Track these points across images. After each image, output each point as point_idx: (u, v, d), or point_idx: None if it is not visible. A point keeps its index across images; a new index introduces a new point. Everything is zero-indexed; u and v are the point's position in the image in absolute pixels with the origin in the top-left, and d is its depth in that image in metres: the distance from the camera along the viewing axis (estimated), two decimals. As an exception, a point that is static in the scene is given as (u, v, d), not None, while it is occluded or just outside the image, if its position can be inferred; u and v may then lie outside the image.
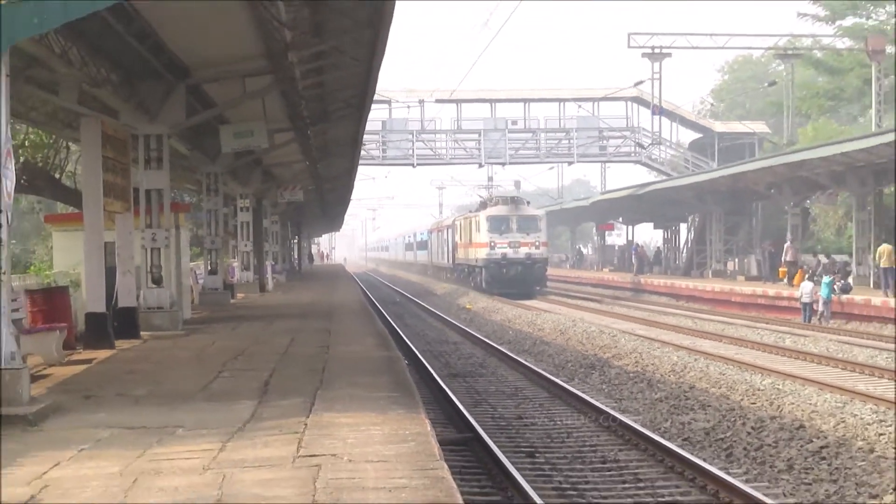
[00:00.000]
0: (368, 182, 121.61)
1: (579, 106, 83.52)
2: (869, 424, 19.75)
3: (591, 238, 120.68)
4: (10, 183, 14.83)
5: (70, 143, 35.70)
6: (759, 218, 71.04)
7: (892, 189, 56.49)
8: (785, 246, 57.16)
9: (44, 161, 37.58)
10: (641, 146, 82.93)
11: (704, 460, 16.81)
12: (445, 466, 11.04)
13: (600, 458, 17.93)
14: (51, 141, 36.81)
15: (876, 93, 66.16)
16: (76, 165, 35.58)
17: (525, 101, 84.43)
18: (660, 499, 15.12)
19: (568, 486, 16.07)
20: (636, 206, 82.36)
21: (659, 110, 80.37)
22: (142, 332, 26.36)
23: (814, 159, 51.20)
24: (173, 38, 24.97)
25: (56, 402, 15.59)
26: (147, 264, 28.03)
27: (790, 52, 77.64)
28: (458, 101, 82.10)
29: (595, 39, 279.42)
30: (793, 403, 22.43)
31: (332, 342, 25.19)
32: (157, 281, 28.15)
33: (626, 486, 16.04)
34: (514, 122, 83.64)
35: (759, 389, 24.57)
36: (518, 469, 16.01)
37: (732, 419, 20.73)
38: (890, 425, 19.73)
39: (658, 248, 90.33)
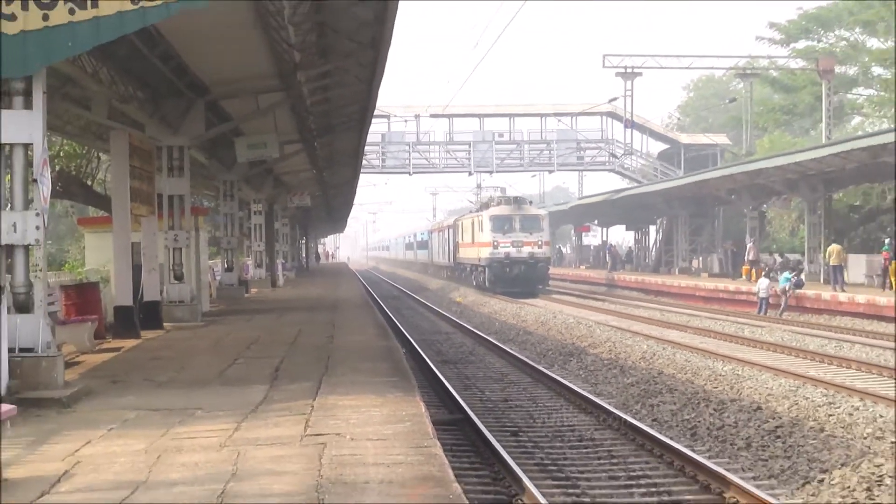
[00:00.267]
0: (369, 188, 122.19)
1: (559, 120, 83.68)
2: (819, 406, 19.77)
3: (570, 239, 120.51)
4: (46, 189, 14.88)
5: (101, 154, 35.68)
6: (720, 220, 71.08)
7: (841, 194, 56.56)
8: (748, 246, 57.25)
9: (77, 169, 37.55)
10: (615, 156, 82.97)
11: (671, 439, 16.80)
12: (438, 444, 11.03)
13: (578, 437, 17.92)
14: (84, 151, 36.79)
15: (826, 108, 66.46)
16: (106, 173, 35.60)
17: (510, 115, 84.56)
18: (631, 473, 15.10)
19: (549, 461, 16.07)
20: (610, 210, 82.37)
21: (631, 124, 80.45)
22: (165, 324, 26.40)
23: (770, 168, 51.27)
24: (194, 59, 24.98)
25: (87, 387, 15.59)
26: (170, 262, 28.08)
27: (749, 71, 77.71)
28: (450, 116, 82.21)
29: (573, 60, 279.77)
30: (751, 387, 22.44)
31: (336, 332, 25.17)
32: (179, 277, 28.19)
33: (601, 461, 16.04)
34: (501, 135, 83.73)
35: (720, 375, 24.57)
36: (504, 447, 15.99)
37: (696, 402, 20.72)
38: (839, 406, 19.74)
39: (630, 247, 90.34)
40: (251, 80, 27.85)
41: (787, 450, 16.21)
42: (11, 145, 14.64)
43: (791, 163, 48.89)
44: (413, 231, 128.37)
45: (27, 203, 14.72)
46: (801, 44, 78.45)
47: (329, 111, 34.88)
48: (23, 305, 14.75)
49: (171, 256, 28.14)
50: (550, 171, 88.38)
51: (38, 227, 14.70)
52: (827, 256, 46.95)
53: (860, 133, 65.20)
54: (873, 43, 73.95)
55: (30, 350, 14.65)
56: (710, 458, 15.56)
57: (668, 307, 50.02)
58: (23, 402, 12.91)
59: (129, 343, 22.70)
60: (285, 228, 68.67)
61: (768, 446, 16.61)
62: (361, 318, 30.33)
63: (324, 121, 36.47)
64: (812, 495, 13.66)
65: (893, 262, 43.80)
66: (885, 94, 71.72)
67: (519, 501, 13.19)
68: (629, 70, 76.16)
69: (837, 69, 70.40)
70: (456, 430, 18.01)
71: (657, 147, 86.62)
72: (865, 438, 16.61)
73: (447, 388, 22.29)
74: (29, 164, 14.76)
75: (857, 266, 49.49)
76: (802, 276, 46.91)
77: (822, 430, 17.41)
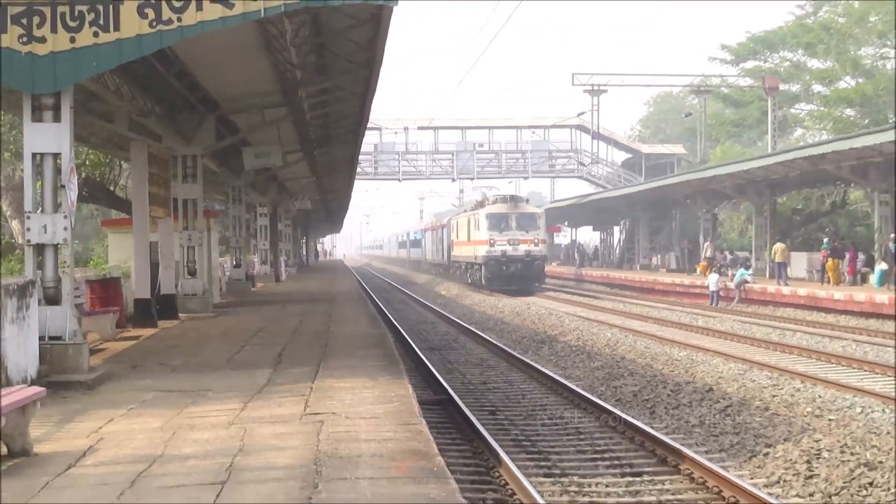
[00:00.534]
0: (363, 193, 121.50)
1: (533, 132, 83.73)
2: (765, 388, 19.82)
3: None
4: (73, 194, 14.95)
5: (122, 162, 35.65)
6: (677, 222, 71.12)
7: (785, 199, 56.69)
8: (705, 245, 57.36)
9: (101, 176, 37.57)
10: (583, 164, 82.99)
11: (633, 417, 16.83)
12: (424, 422, 11.07)
13: (549, 415, 17.93)
14: (107, 160, 36.80)
15: (771, 122, 66.54)
16: (127, 180, 35.56)
17: (489, 128, 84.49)
18: (596, 447, 15.13)
19: (523, 437, 16.08)
20: (579, 213, 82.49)
21: (597, 135, 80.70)
22: (179, 314, 26.41)
23: (721, 175, 51.39)
24: (206, 77, 24.98)
25: (110, 371, 15.60)
26: (184, 259, 28.13)
27: (702, 88, 77.81)
28: (435, 128, 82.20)
29: (546, 78, 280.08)
30: (704, 371, 22.49)
31: (333, 322, 25.19)
32: (192, 273, 28.24)
33: (570, 437, 16.05)
34: (481, 145, 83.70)
35: (676, 360, 24.62)
36: (483, 424, 16.00)
37: (655, 384, 20.75)
38: (782, 388, 19.79)
39: (596, 246, 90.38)
40: (257, 96, 27.85)
41: (736, 427, 16.25)
42: (42, 154, 14.72)
43: (740, 170, 49.09)
44: (406, 230, 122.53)
45: (56, 206, 14.79)
46: (750, 64, 78.57)
47: (327, 124, 34.86)
48: (52, 298, 14.84)
49: (186, 254, 28.19)
50: (525, 178, 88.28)
51: (65, 228, 14.80)
52: (772, 254, 47.16)
53: (802, 144, 65.35)
54: (814, 63, 74.08)
55: (58, 338, 14.72)
56: (667, 434, 15.58)
57: (630, 299, 50.07)
58: (52, 385, 12.92)
59: (148, 332, 22.71)
60: (288, 229, 68.54)
61: (719, 424, 16.65)
62: (356, 309, 30.35)
63: (322, 132, 36.44)
64: (758, 467, 13.69)
65: (831, 259, 44.00)
66: (824, 108, 71.81)
67: (496, 472, 13.21)
68: (596, 87, 76.31)
69: (781, 87, 70.50)
70: (440, 409, 18.01)
71: (621, 156, 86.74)
72: (805, 416, 16.66)
73: (432, 372, 22.28)
74: (58, 171, 14.81)
75: (799, 263, 49.63)
76: (750, 272, 47.12)
77: (767, 409, 17.46)
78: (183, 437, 10.43)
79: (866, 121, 63.18)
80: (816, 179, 48.68)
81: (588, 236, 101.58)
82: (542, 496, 11.56)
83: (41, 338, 14.29)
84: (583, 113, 77.86)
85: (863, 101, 65.66)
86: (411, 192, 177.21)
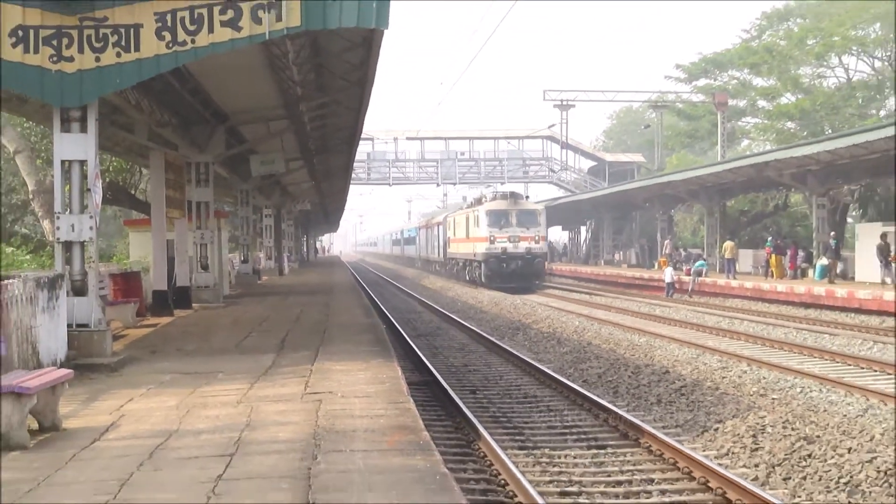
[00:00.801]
0: (357, 196, 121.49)
1: (508, 142, 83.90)
2: (715, 370, 19.87)
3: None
4: (98, 197, 15.00)
5: (142, 168, 35.56)
6: (637, 222, 71.32)
7: (733, 202, 56.85)
8: (666, 242, 57.58)
9: (123, 181, 37.50)
10: (553, 171, 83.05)
11: (598, 396, 16.86)
12: (411, 400, 11.07)
13: (523, 394, 17.95)
14: (128, 166, 36.72)
15: (720, 133, 66.87)
16: (146, 184, 35.43)
17: (470, 138, 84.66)
18: (565, 423, 15.15)
19: (500, 414, 16.10)
20: (550, 214, 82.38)
21: (566, 145, 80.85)
22: (193, 304, 26.38)
23: (676, 181, 51.58)
24: (217, 93, 24.94)
25: (131, 355, 15.60)
26: (197, 255, 28.11)
27: (659, 104, 78.01)
28: (421, 139, 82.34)
29: (520, 93, 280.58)
30: (661, 355, 22.54)
31: (330, 311, 25.19)
32: (205, 267, 28.22)
33: (542, 413, 16.07)
34: (462, 154, 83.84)
35: (636, 345, 24.67)
36: (464, 402, 16.01)
37: (618, 366, 20.78)
38: (731, 370, 19.83)
39: (565, 244, 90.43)
40: (263, 109, 27.81)
41: (690, 405, 16.29)
42: (70, 161, 14.78)
43: (693, 176, 49.25)
44: (400, 228, 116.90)
45: (83, 208, 14.86)
46: (701, 82, 78.70)
47: (325, 135, 34.83)
48: (79, 290, 14.87)
49: (199, 251, 28.16)
50: (502, 184, 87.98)
51: (91, 227, 14.88)
52: (722, 251, 47.35)
53: (748, 153, 65.53)
54: (758, 81, 74.28)
55: (84, 326, 14.78)
56: (628, 411, 15.61)
57: (596, 291, 50.12)
58: (78, 368, 12.91)
59: (165, 320, 22.70)
60: (290, 228, 68.44)
61: (674, 402, 16.69)
62: (351, 300, 30.34)
63: (321, 142, 36.41)
64: (709, 441, 13.73)
65: (774, 255, 44.21)
66: (768, 121, 72.23)
67: (476, 446, 13.22)
68: (564, 102, 76.68)
69: (730, 102, 70.75)
70: (426, 389, 18.02)
71: (587, 164, 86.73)
72: (752, 396, 16.71)
73: (419, 356, 22.30)
74: (84, 176, 14.86)
75: (746, 259, 49.84)
76: (704, 268, 47.32)
77: (717, 389, 17.51)
78: (196, 414, 10.42)
79: (805, 133, 63.43)
80: (761, 185, 48.88)
81: (558, 235, 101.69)
82: (516, 467, 11.57)
83: (69, 325, 14.35)
84: (553, 125, 78.23)
85: (802, 115, 65.99)
86: (400, 195, 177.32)
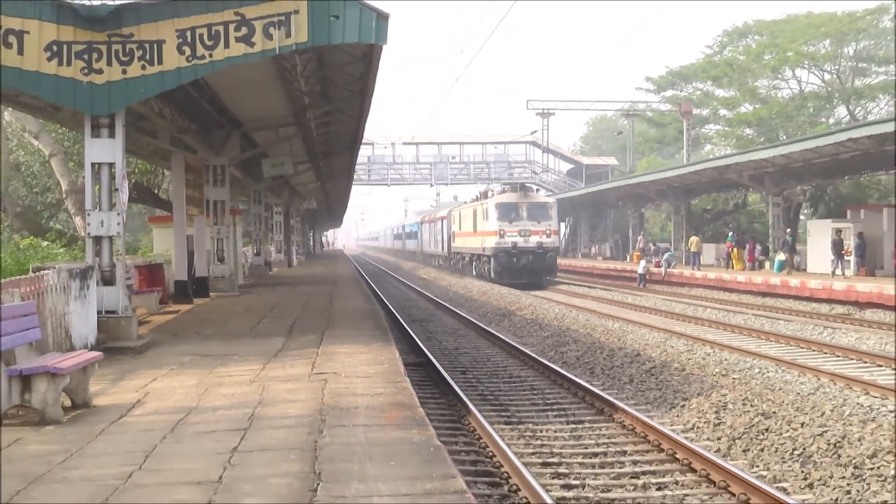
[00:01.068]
0: (359, 195, 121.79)
1: (495, 146, 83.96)
2: (682, 353, 19.88)
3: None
4: (125, 196, 14.99)
5: (164, 170, 35.50)
6: (611, 219, 71.38)
7: (697, 201, 56.95)
8: (639, 238, 57.65)
9: (147, 181, 37.43)
10: (535, 173, 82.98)
11: (576, 376, 16.87)
12: (408, 380, 11.06)
13: (508, 375, 17.95)
14: (152, 168, 36.64)
15: (686, 139, 66.96)
16: (168, 184, 35.37)
17: (460, 143, 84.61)
18: (546, 400, 15.15)
19: (488, 392, 16.09)
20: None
21: (546, 150, 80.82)
22: (210, 293, 26.37)
23: (646, 182, 51.65)
24: (232, 102, 24.91)
25: (154, 339, 15.59)
26: (214, 248, 28.08)
27: (631, 112, 78.05)
28: (417, 144, 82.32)
29: (506, 102, 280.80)
30: (633, 339, 22.54)
31: (335, 299, 25.16)
32: (221, 259, 28.19)
33: (525, 391, 16.08)
34: (454, 157, 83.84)
35: (610, 330, 24.66)
36: (455, 381, 16.00)
37: (594, 350, 20.78)
38: (696, 353, 19.85)
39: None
40: (273, 117, 27.77)
41: (659, 384, 16.30)
42: (100, 164, 14.81)
43: (661, 178, 49.32)
44: (401, 223, 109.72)
45: (111, 206, 14.90)
46: (669, 93, 78.78)
47: (330, 140, 34.80)
48: (108, 280, 14.92)
49: (216, 244, 28.13)
50: (489, 184, 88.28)
51: (118, 223, 14.95)
52: (688, 245, 47.51)
53: (711, 157, 65.65)
54: (720, 92, 74.41)
55: (113, 312, 14.82)
56: (603, 389, 15.63)
57: (574, 281, 50.17)
58: (107, 350, 12.90)
59: (185, 307, 22.68)
60: (298, 224, 68.45)
61: (645, 381, 16.70)
62: (353, 289, 30.32)
63: (326, 147, 36.38)
64: (676, 416, 13.74)
65: (735, 249, 44.36)
66: (729, 128, 72.41)
67: (466, 421, 13.22)
68: (546, 111, 76.64)
69: (694, 111, 70.84)
70: (421, 369, 18.02)
71: (566, 167, 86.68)
72: (714, 376, 16.72)
73: (414, 340, 22.29)
74: (112, 177, 14.86)
75: (709, 252, 49.95)
76: (672, 260, 47.51)
77: (683, 369, 17.53)
78: (213, 392, 10.41)
79: (762, 139, 63.62)
80: (722, 185, 49.03)
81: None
82: (503, 440, 11.57)
83: (99, 312, 14.43)
84: (535, 131, 78.33)
85: (759, 122, 66.37)
86: (398, 194, 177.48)
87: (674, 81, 78.52)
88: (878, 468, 10.19)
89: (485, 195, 50.90)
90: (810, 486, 10.02)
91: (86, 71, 14.21)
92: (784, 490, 9.70)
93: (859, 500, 9.38)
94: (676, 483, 10.19)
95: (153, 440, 8.01)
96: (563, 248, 76.66)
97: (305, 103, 24.99)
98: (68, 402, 9.63)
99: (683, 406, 14.31)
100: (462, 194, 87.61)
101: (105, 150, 14.70)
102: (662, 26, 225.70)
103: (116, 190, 14.81)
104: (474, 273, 51.08)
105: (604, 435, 12.65)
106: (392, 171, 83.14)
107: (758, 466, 10.89)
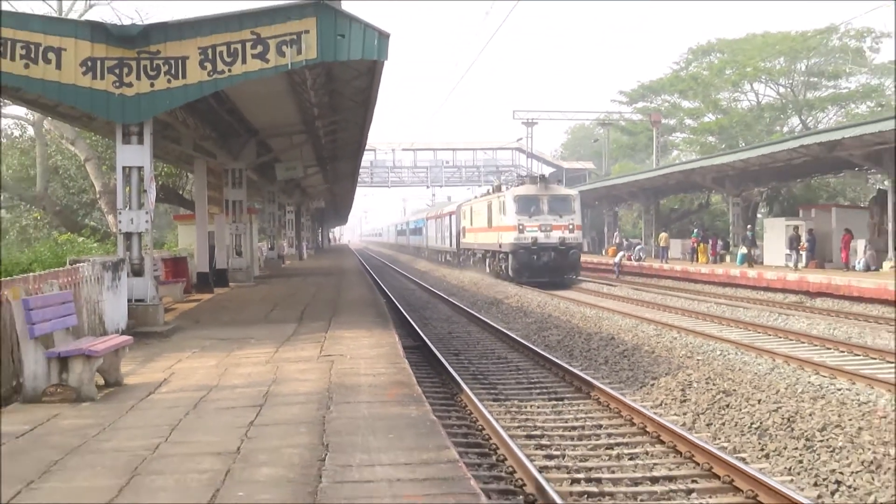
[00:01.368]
0: (362, 196, 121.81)
1: (484, 152, 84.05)
2: (651, 337, 19.87)
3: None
4: (152, 196, 15.03)
5: (188, 173, 35.43)
6: (588, 217, 71.25)
7: (665, 201, 57.03)
8: (615, 234, 57.70)
9: (172, 183, 37.36)
10: (521, 176, 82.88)
11: (556, 358, 16.88)
12: (406, 362, 11.07)
13: (497, 357, 17.97)
14: (176, 171, 36.57)
15: (655, 146, 66.96)
16: (191, 186, 35.32)
17: (454, 149, 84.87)
18: (531, 379, 15.16)
19: (478, 372, 16.10)
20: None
21: (531, 155, 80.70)
22: (230, 283, 26.33)
23: (619, 184, 51.72)
24: (249, 112, 24.86)
25: (179, 325, 15.58)
26: (233, 243, 28.09)
27: (606, 122, 78.02)
28: (415, 150, 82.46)
29: (493, 112, 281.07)
30: (608, 325, 22.52)
31: (341, 289, 25.15)
32: (239, 253, 28.23)
33: (511, 372, 16.07)
34: (447, 162, 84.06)
35: (588, 317, 24.66)
36: (448, 363, 16.02)
37: (573, 335, 20.78)
38: (664, 337, 19.86)
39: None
40: (286, 125, 27.72)
41: (631, 365, 16.31)
42: (130, 167, 14.83)
43: (633, 181, 49.44)
44: (405, 220, 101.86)
45: (140, 205, 14.94)
46: (640, 104, 78.94)
47: (336, 146, 34.73)
48: (137, 271, 14.93)
49: (234, 240, 28.15)
50: (479, 186, 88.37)
51: (147, 221, 14.96)
52: (657, 240, 47.52)
53: (677, 162, 65.65)
54: (686, 104, 74.57)
55: (141, 300, 14.86)
56: (581, 370, 15.64)
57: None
58: (136, 335, 12.88)
59: (206, 296, 22.66)
60: (308, 222, 68.35)
61: (619, 363, 16.71)
62: (357, 280, 30.32)
63: (333, 152, 36.31)
64: (647, 394, 13.75)
65: (699, 244, 44.42)
66: (693, 136, 72.60)
67: (458, 398, 13.23)
68: (530, 120, 76.54)
69: (663, 121, 71.07)
70: (418, 352, 18.02)
71: (548, 170, 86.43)
72: (681, 357, 16.73)
73: (412, 325, 22.29)
74: (140, 179, 14.90)
75: (676, 247, 49.90)
76: (641, 253, 47.59)
77: (653, 352, 17.54)
78: (232, 372, 10.41)
79: (723, 145, 63.71)
80: (688, 187, 49.19)
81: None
82: (491, 415, 11.58)
83: (129, 300, 14.48)
84: (520, 139, 78.15)
85: (721, 131, 66.51)
86: (397, 195, 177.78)
87: (644, 94, 78.65)
88: (828, 440, 10.21)
89: (498, 189, 44.01)
90: (766, 456, 10.04)
91: (117, 84, 14.21)
92: (743, 459, 9.72)
93: (810, 468, 9.40)
94: (647, 454, 10.20)
95: (178, 415, 8.01)
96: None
97: (315, 113, 24.93)
98: (102, 381, 9.63)
99: (653, 385, 14.32)
100: (455, 195, 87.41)
101: (135, 155, 14.70)
102: (634, 45, 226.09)
103: (145, 191, 14.86)
104: (488, 270, 43.44)
105: (582, 410, 12.65)
106: (392, 175, 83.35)
107: (719, 439, 10.91)
